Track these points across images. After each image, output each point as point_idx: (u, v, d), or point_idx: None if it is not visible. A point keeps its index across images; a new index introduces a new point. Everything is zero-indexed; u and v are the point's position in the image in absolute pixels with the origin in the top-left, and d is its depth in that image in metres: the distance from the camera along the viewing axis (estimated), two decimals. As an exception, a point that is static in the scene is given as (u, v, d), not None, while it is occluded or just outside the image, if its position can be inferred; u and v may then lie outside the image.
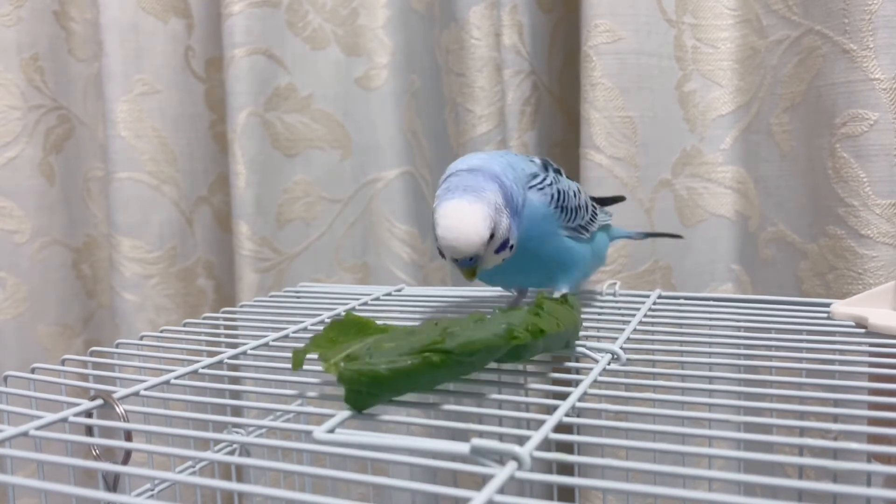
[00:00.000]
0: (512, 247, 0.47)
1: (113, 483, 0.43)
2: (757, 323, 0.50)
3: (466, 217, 0.44)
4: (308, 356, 0.39)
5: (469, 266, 0.45)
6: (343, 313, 0.56)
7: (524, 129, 0.81)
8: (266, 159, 0.87)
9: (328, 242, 0.92)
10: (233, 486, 0.30)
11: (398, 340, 0.36)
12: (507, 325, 0.37)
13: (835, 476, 0.31)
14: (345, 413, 0.35)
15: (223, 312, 0.59)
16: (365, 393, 0.34)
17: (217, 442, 0.54)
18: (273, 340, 0.50)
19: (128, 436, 0.38)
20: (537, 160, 0.53)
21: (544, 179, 0.51)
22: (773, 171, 0.73)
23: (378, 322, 0.42)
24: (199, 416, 0.39)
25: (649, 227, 0.76)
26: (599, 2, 0.72)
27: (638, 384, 0.40)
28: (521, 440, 0.31)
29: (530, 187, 0.50)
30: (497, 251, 0.46)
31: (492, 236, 0.45)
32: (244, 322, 0.58)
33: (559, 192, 0.51)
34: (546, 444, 0.32)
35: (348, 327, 0.40)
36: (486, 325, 0.37)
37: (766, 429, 0.42)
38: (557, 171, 0.53)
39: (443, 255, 0.46)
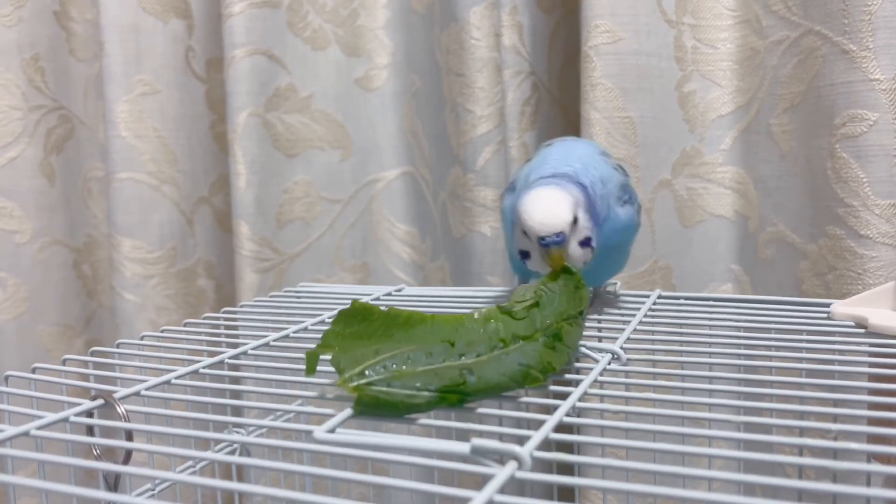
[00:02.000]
0: (593, 248, 0.48)
1: (114, 483, 0.43)
2: (757, 323, 0.50)
3: (551, 198, 0.46)
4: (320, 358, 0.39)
5: (557, 244, 0.46)
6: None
7: (524, 130, 0.81)
8: (266, 160, 0.87)
9: (328, 242, 0.92)
10: (233, 485, 0.30)
11: (415, 364, 0.36)
12: (523, 367, 0.38)
13: (834, 476, 0.31)
14: (345, 413, 0.35)
15: (224, 312, 0.59)
16: (377, 413, 0.35)
17: (217, 442, 0.54)
18: (274, 340, 0.50)
19: (128, 436, 0.38)
20: (618, 167, 0.54)
21: (631, 194, 0.53)
22: (773, 172, 0.73)
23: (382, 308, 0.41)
24: (199, 415, 0.39)
25: (649, 227, 0.76)
26: (599, 2, 0.72)
27: (638, 384, 0.40)
28: (522, 440, 0.31)
29: (625, 202, 0.52)
30: (581, 244, 0.47)
31: (575, 221, 0.46)
32: (245, 322, 0.58)
33: (640, 206, 0.55)
34: (546, 444, 0.32)
35: (354, 317, 0.40)
36: (502, 364, 0.38)
37: (766, 429, 0.42)
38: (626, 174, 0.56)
39: (522, 257, 0.48)
